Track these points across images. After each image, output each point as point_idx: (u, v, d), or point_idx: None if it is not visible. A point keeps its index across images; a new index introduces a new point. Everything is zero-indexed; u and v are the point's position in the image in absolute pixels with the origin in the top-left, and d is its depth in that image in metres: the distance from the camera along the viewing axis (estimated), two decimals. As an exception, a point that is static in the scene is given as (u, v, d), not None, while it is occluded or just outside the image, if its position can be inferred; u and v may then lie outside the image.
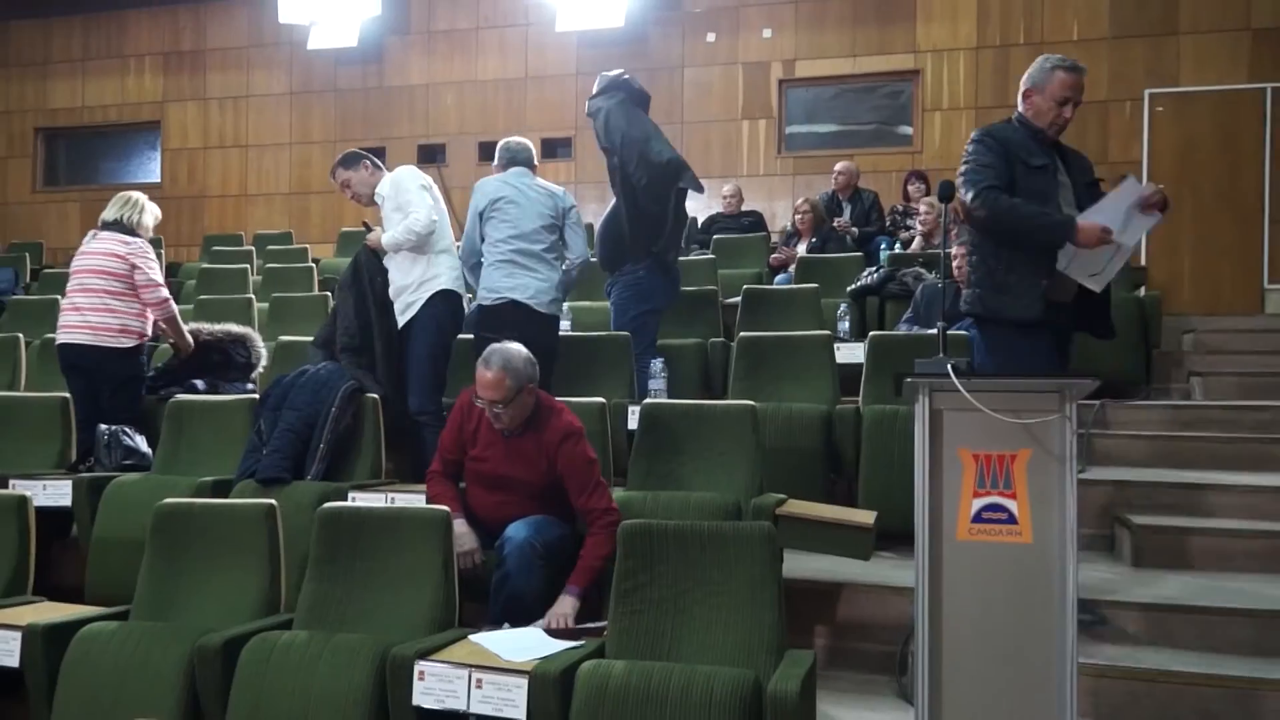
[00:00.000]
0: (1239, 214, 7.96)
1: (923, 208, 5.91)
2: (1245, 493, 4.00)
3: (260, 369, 4.85)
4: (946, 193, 2.90)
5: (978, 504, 2.34)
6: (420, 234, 4.12)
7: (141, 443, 4.19)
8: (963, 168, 3.24)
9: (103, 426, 4.16)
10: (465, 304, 4.47)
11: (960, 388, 2.29)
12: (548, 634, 2.78)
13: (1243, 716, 2.80)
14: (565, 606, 2.94)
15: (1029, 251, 3.16)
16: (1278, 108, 7.99)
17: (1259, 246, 7.94)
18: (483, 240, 4.45)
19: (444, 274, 4.23)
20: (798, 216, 7.17)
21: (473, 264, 4.52)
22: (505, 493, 3.26)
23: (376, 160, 4.44)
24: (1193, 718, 2.82)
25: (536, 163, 4.66)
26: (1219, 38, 8.21)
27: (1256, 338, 6.51)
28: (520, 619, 2.91)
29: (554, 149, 9.91)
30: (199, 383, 4.57)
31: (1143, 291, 6.42)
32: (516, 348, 3.24)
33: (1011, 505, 2.33)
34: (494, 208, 4.42)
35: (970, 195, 3.16)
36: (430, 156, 9.97)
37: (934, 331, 3.92)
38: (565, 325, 5.48)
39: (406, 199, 4.21)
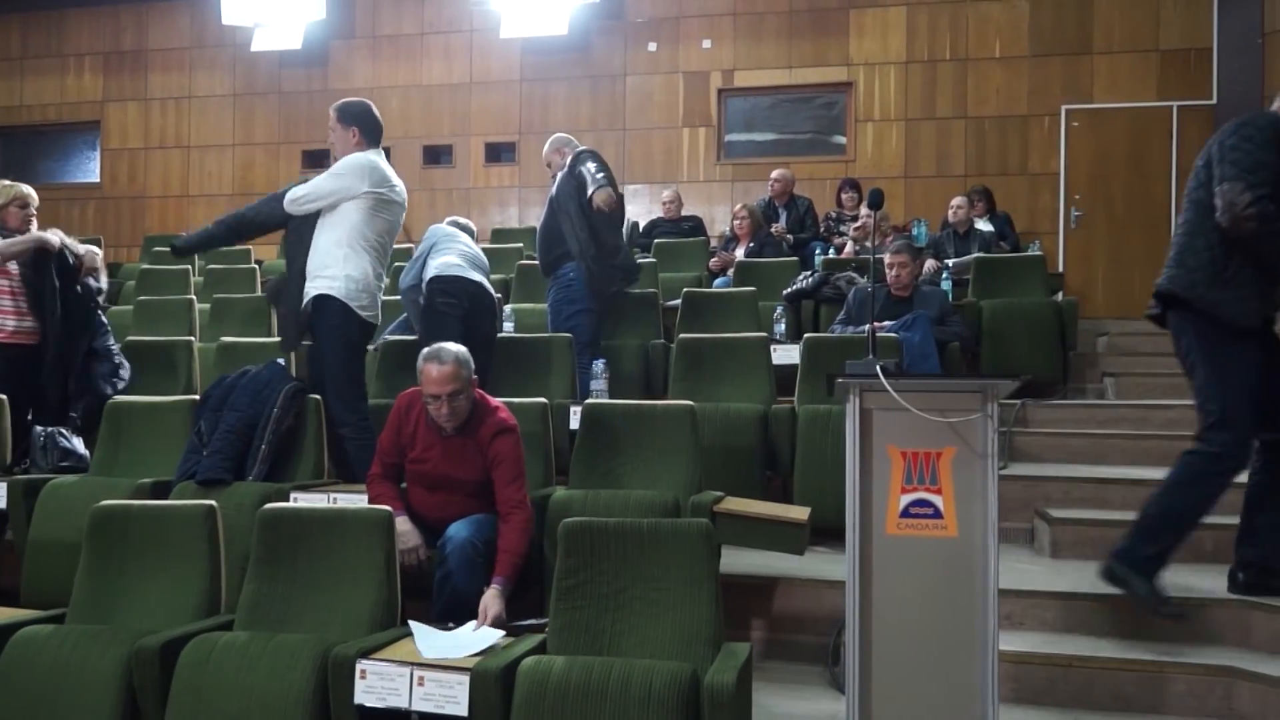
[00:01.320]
0: (1148, 224, 8.30)
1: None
2: (1155, 487, 4.17)
3: (97, 284, 4.58)
4: (876, 201, 2.98)
5: (906, 499, 2.38)
6: (294, 201, 3.90)
7: (79, 444, 4.11)
8: (1235, 154, 2.92)
9: (39, 428, 4.07)
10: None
11: (889, 388, 2.34)
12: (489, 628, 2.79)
13: (1152, 697, 2.93)
14: (495, 607, 2.87)
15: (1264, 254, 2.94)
16: (1184, 124, 8.35)
17: (1167, 254, 8.30)
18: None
19: (325, 277, 3.83)
20: (736, 222, 7.29)
21: (412, 299, 4.68)
22: (446, 492, 3.28)
23: (372, 133, 4.01)
24: (1106, 700, 2.95)
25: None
26: (1130, 58, 8.56)
27: (1164, 340, 6.62)
28: (462, 617, 2.91)
29: (498, 154, 9.89)
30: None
31: (1060, 297, 6.62)
32: (456, 344, 3.29)
33: (937, 500, 2.37)
34: (448, 238, 4.72)
35: (1247, 200, 2.86)
36: (373, 159, 9.90)
37: (865, 333, 4.02)
38: (508, 326, 5.52)
39: (321, 176, 3.93)
